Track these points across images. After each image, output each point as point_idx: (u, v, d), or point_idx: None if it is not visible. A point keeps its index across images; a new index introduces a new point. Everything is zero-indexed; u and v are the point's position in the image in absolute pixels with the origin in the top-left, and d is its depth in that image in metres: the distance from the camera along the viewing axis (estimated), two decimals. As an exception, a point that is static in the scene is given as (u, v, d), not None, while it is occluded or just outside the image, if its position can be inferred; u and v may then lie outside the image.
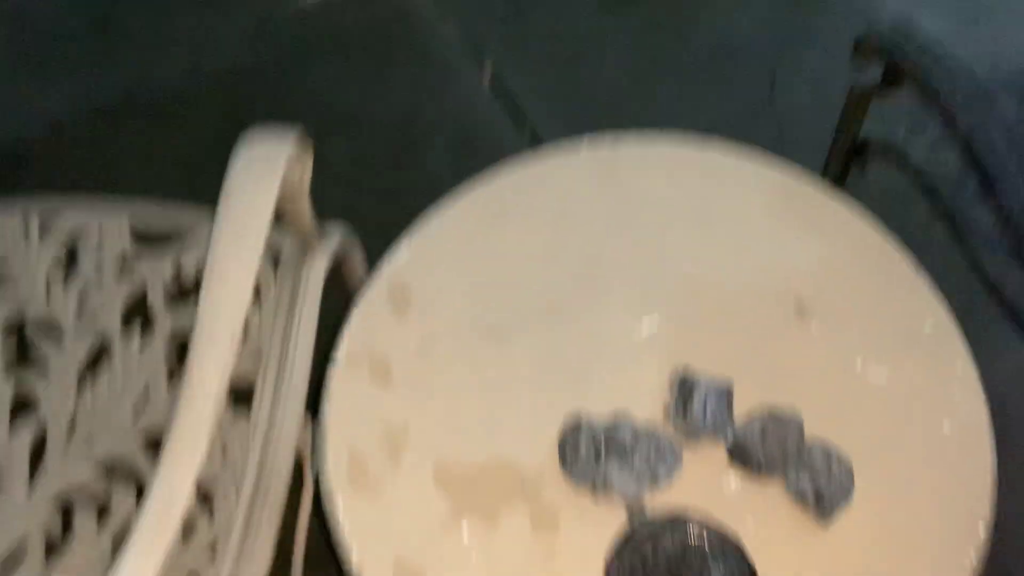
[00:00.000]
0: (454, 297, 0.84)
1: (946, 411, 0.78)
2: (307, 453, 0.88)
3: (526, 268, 0.86)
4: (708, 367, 0.79)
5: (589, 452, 0.75)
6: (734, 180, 0.91)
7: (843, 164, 1.04)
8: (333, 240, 0.98)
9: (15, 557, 0.84)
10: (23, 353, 0.94)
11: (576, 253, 0.87)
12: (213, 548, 0.84)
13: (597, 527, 0.73)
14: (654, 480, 0.75)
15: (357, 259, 1.04)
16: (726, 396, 0.78)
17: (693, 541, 0.73)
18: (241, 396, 0.92)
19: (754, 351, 0.81)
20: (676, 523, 0.74)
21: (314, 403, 0.84)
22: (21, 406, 0.91)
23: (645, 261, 0.86)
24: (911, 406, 0.78)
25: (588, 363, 0.81)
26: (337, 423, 0.78)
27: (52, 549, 0.84)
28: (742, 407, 0.77)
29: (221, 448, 0.89)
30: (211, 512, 0.86)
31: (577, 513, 0.74)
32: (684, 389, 0.78)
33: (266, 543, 0.87)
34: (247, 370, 0.93)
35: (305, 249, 0.97)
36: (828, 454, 0.75)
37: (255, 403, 0.92)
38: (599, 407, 0.78)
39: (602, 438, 0.76)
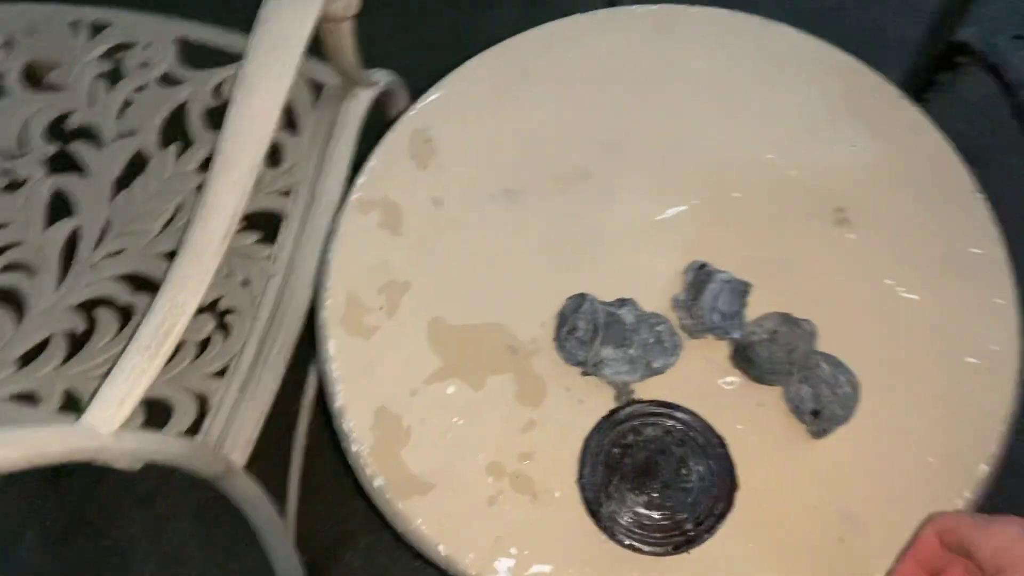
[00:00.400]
0: (477, 154, 0.82)
1: (974, 343, 0.72)
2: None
3: (555, 131, 0.82)
4: (729, 267, 0.75)
5: (587, 331, 0.73)
6: (797, 69, 0.84)
7: (932, 67, 0.95)
8: (377, 83, 0.96)
9: (37, 352, 0.88)
10: (63, 159, 0.97)
11: (609, 121, 0.82)
12: (223, 373, 0.87)
13: (582, 407, 0.72)
14: (648, 369, 0.72)
15: (403, 108, 1.02)
16: (740, 294, 0.74)
17: (676, 431, 0.71)
18: (270, 231, 0.93)
19: (781, 257, 0.76)
20: (663, 412, 0.72)
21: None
22: (59, 209, 0.94)
23: (681, 141, 0.81)
24: (937, 333, 0.73)
25: (601, 244, 0.78)
26: (340, 264, 0.77)
27: (75, 345, 0.88)
28: (756, 312, 0.73)
29: (243, 274, 0.90)
30: (226, 334, 0.89)
31: (563, 390, 0.73)
32: (698, 278, 0.74)
33: (275, 372, 0.90)
34: (277, 203, 0.94)
35: (349, 89, 0.96)
36: (836, 371, 0.71)
37: (281, 234, 0.93)
38: (604, 289, 0.75)
39: (602, 319, 0.73)
